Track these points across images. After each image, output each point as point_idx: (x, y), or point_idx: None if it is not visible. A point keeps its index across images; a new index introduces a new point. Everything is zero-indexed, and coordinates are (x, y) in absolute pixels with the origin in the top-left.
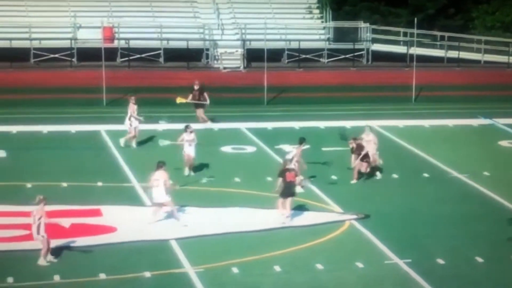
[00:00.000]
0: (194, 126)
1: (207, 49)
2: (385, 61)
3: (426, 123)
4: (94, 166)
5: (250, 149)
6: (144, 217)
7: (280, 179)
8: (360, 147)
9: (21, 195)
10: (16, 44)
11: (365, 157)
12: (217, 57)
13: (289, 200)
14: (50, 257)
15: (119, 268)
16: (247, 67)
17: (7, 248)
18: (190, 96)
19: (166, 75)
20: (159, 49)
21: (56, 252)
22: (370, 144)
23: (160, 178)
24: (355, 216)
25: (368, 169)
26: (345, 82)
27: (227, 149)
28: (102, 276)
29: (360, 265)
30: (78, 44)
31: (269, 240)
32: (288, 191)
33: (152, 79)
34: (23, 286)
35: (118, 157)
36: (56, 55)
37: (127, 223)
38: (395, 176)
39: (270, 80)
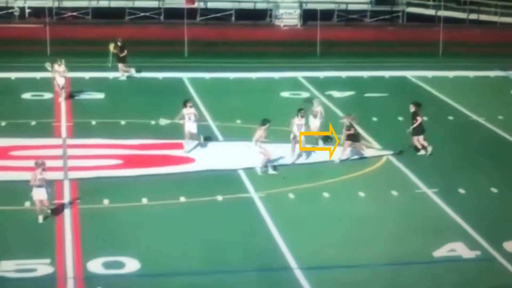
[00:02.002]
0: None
1: (271, 10)
2: (417, 21)
3: (451, 74)
4: (177, 107)
5: (304, 94)
6: (217, 150)
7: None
8: (351, 126)
9: (116, 130)
10: (113, 4)
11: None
12: (278, 16)
13: (421, 137)
14: (43, 215)
15: (196, 192)
16: (303, 25)
17: (104, 175)
18: (115, 49)
19: (237, 32)
20: (231, 9)
21: (144, 178)
22: (317, 118)
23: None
24: (391, 152)
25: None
26: (384, 39)
27: (285, 94)
28: (182, 199)
29: (394, 193)
30: (165, 5)
31: (319, 171)
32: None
33: (225, 35)
34: (117, 207)
35: (197, 100)
36: (147, 14)
37: (204, 155)
38: (424, 118)
39: (322, 36)
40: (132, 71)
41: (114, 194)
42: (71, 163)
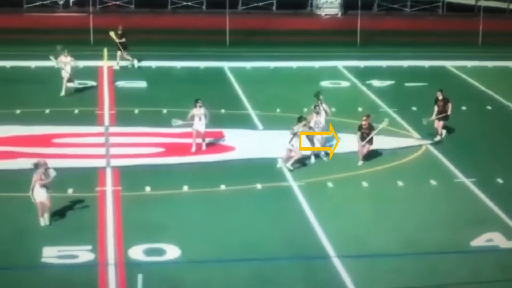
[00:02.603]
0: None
1: None
2: (457, 11)
3: (490, 64)
4: (218, 96)
5: (344, 84)
6: (257, 139)
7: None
8: (370, 128)
9: (158, 118)
10: None
11: (370, 141)
12: (319, 5)
13: (442, 123)
14: (45, 219)
15: (236, 180)
16: (344, 14)
17: (146, 163)
18: (116, 37)
19: (278, 20)
20: None
21: (186, 166)
22: (322, 115)
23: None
24: (430, 141)
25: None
26: (424, 29)
27: (325, 83)
28: (222, 186)
29: (433, 182)
30: None
31: (358, 160)
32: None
33: (267, 24)
34: (158, 194)
35: (238, 89)
36: (189, 3)
37: (244, 143)
38: (463, 108)
39: (363, 25)
40: (135, 62)
41: (155, 182)
42: (114, 151)
